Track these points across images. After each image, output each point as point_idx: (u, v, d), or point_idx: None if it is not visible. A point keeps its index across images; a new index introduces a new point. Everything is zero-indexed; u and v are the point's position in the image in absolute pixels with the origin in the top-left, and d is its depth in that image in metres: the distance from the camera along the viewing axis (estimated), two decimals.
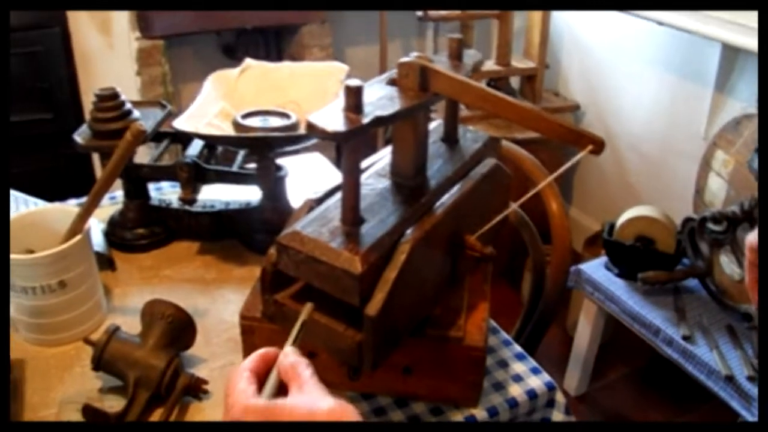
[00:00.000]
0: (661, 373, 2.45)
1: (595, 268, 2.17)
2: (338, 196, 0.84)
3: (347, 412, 0.62)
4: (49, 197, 1.32)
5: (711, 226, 1.88)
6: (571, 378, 2.40)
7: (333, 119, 0.73)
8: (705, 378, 1.82)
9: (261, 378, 0.67)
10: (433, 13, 2.62)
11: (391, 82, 0.85)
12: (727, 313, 1.95)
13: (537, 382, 1.02)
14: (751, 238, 0.87)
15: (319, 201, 0.88)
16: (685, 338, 1.87)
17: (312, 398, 0.62)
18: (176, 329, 0.97)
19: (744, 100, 2.24)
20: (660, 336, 1.93)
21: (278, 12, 2.71)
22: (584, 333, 2.29)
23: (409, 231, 0.82)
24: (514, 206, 1.00)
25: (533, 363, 1.06)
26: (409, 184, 0.90)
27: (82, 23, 2.58)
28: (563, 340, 2.57)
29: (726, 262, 1.91)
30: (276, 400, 0.64)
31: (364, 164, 0.95)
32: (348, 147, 0.77)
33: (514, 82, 2.97)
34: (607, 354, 2.50)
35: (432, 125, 1.03)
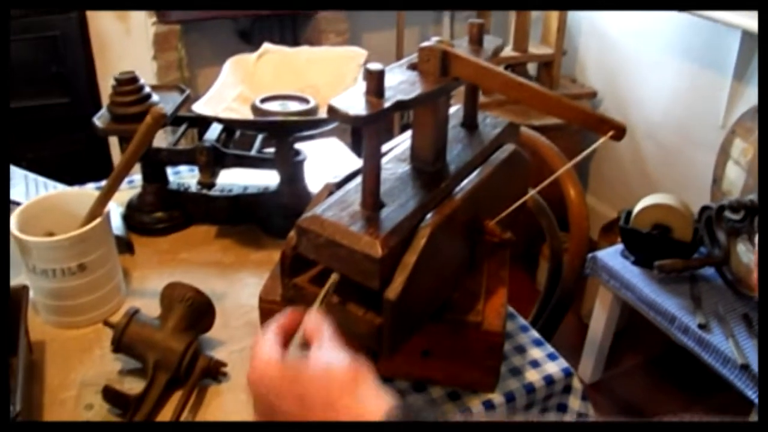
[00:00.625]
0: (676, 362, 2.44)
1: (611, 256, 2.16)
2: (358, 180, 0.84)
3: (363, 368, 0.63)
4: (67, 181, 1.33)
5: (729, 214, 1.87)
6: (585, 365, 2.40)
7: (355, 103, 0.73)
8: (720, 366, 1.81)
9: (288, 336, 0.69)
10: None
11: (412, 67, 0.85)
12: (743, 301, 1.94)
13: (554, 368, 1.02)
14: None
15: (339, 185, 0.88)
16: (701, 326, 1.86)
17: (331, 355, 0.64)
18: (195, 312, 0.98)
19: None
20: (675, 324, 1.93)
21: None
22: (599, 320, 2.29)
23: (428, 216, 0.82)
24: (533, 192, 1.00)
25: (550, 349, 1.06)
26: (429, 169, 0.90)
27: None
28: (578, 328, 2.56)
29: (743, 251, 1.90)
30: (296, 356, 0.65)
31: (383, 149, 0.95)
32: (369, 131, 0.76)
33: (531, 68, 2.95)
34: (622, 342, 2.49)
35: (451, 110, 1.03)
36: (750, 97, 2.27)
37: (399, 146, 0.96)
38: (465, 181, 0.90)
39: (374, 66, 0.74)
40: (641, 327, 2.31)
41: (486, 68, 0.82)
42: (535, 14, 2.83)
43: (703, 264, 2.01)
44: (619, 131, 0.80)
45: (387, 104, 0.73)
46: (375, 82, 0.74)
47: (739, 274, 1.93)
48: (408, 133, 0.94)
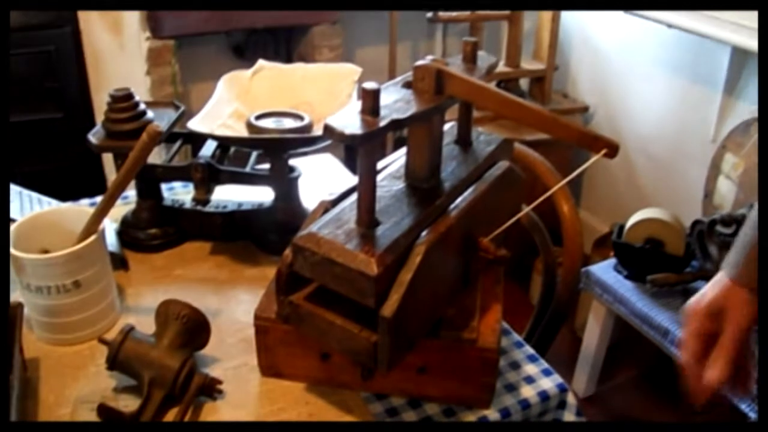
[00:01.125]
0: (670, 375, 2.45)
1: (604, 270, 2.17)
2: (353, 197, 0.85)
3: None
4: (60, 197, 1.33)
5: (720, 228, 1.88)
6: (579, 379, 2.40)
7: (350, 122, 0.73)
8: None
9: None
10: (442, 14, 2.62)
11: (407, 85, 0.86)
12: None
13: (549, 383, 1.02)
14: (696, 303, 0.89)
15: (335, 202, 0.89)
16: None
17: None
18: (191, 329, 0.98)
19: (753, 103, 2.24)
20: (668, 337, 1.93)
21: (289, 12, 2.72)
22: (593, 334, 2.29)
23: (423, 233, 0.83)
24: (527, 209, 1.01)
25: (545, 364, 1.06)
26: (424, 187, 0.90)
27: (93, 23, 2.59)
28: (572, 342, 2.57)
29: None
30: None
31: (378, 166, 0.95)
32: (364, 149, 0.77)
33: (524, 83, 2.97)
34: (616, 355, 2.50)
35: (445, 128, 1.03)
36: (740, 112, 2.28)
37: (394, 164, 0.96)
38: (459, 199, 0.91)
39: (370, 85, 0.75)
40: (635, 340, 2.32)
41: (480, 87, 0.83)
42: (526, 29, 2.85)
43: (696, 278, 2.02)
44: (612, 149, 0.80)
45: (382, 123, 0.74)
46: (370, 101, 0.74)
47: None
48: (402, 151, 0.95)
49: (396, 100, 0.81)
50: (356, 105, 0.76)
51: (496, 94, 0.83)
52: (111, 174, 2.55)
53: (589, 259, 2.58)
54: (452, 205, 0.89)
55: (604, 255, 2.37)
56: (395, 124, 0.75)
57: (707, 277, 1.98)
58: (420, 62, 0.84)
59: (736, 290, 0.90)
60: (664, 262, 2.03)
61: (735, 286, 0.90)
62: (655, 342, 1.99)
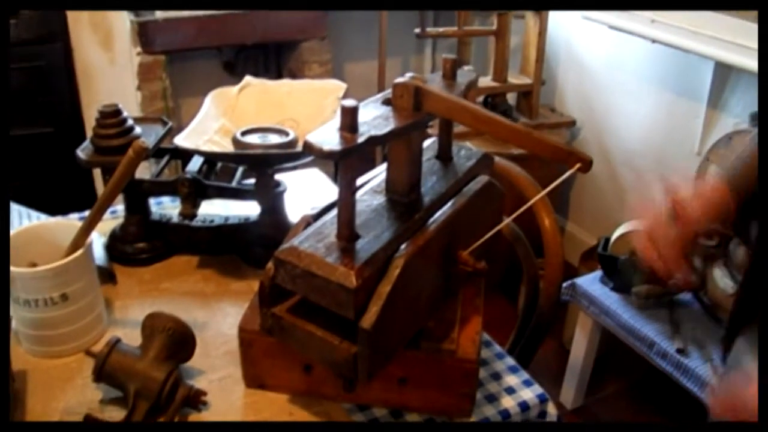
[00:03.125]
0: (657, 387, 2.46)
1: (591, 282, 2.19)
2: (334, 212, 0.87)
3: None
4: (51, 210, 1.34)
5: (704, 241, 1.91)
6: (567, 391, 2.42)
7: (329, 139, 0.75)
8: (698, 391, 1.84)
9: None
10: (430, 30, 2.65)
11: (387, 102, 0.88)
12: (720, 326, 1.97)
13: (529, 394, 1.04)
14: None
15: (316, 217, 0.91)
16: (679, 351, 1.89)
17: None
18: (176, 342, 0.99)
19: (737, 116, 2.27)
20: (654, 349, 1.95)
21: (279, 28, 2.75)
22: (580, 346, 2.31)
23: (403, 246, 0.84)
24: (506, 221, 1.03)
25: (526, 375, 1.08)
26: (404, 201, 0.92)
27: (84, 38, 2.62)
28: (560, 354, 2.58)
29: (719, 276, 1.93)
30: None
31: (360, 181, 0.97)
32: (344, 165, 0.79)
33: (511, 98, 3.00)
34: (604, 367, 2.51)
35: (426, 143, 1.05)
36: (724, 125, 2.31)
37: (375, 178, 0.98)
38: (439, 213, 0.93)
39: (348, 102, 0.77)
40: (622, 352, 2.34)
41: (457, 103, 0.85)
42: (514, 44, 2.88)
43: (681, 289, 2.04)
44: (586, 164, 0.83)
45: (360, 139, 0.76)
46: (349, 118, 0.77)
47: (716, 299, 1.97)
48: (384, 165, 0.97)
49: (375, 117, 0.83)
50: (336, 121, 0.78)
51: (473, 110, 0.85)
52: (101, 188, 2.56)
53: (577, 271, 2.60)
54: (431, 219, 0.91)
55: (592, 267, 2.39)
56: (373, 141, 0.77)
57: (692, 289, 2.01)
58: (399, 79, 0.86)
59: None
60: (650, 273, 2.05)
61: None
62: (641, 354, 2.01)
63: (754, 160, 0.94)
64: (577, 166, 0.82)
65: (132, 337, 1.02)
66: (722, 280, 1.93)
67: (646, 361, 2.02)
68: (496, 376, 1.07)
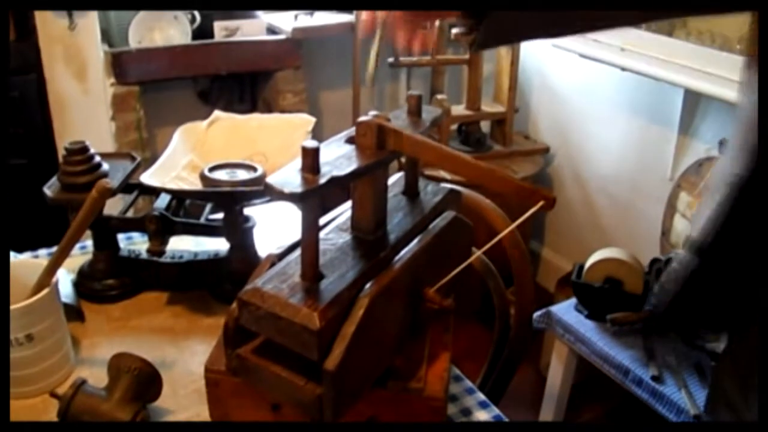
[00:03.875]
0: (635, 413, 2.47)
1: (566, 310, 2.20)
2: (299, 251, 0.86)
3: None
4: (22, 244, 1.33)
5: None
6: (545, 418, 2.41)
7: (290, 180, 0.75)
8: (674, 417, 1.84)
9: None
10: (404, 60, 2.67)
11: (350, 140, 0.88)
12: (695, 351, 1.98)
13: None
14: None
15: (281, 256, 0.91)
16: (654, 378, 1.90)
17: None
18: (142, 382, 0.98)
19: (707, 142, 2.30)
20: (629, 377, 1.96)
21: (253, 58, 2.76)
22: (557, 374, 2.31)
23: (367, 285, 0.84)
24: (475, 255, 1.03)
25: (496, 411, 1.08)
26: (369, 239, 0.92)
27: (58, 70, 2.61)
28: (537, 382, 2.58)
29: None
30: None
31: (326, 218, 0.97)
32: (305, 206, 0.79)
33: (485, 125, 3.02)
34: (581, 394, 2.51)
35: (393, 178, 1.06)
36: (696, 151, 2.34)
37: (341, 216, 0.98)
38: (405, 250, 0.92)
39: (309, 143, 0.77)
40: (598, 380, 2.34)
41: (421, 142, 0.85)
42: (487, 72, 2.90)
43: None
44: (549, 202, 0.83)
45: (322, 180, 0.76)
46: (310, 159, 0.77)
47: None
48: (350, 203, 0.97)
49: (338, 157, 0.83)
50: (297, 162, 0.78)
51: (436, 148, 0.85)
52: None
53: (554, 297, 2.61)
54: (397, 257, 0.91)
55: (568, 293, 2.39)
56: (335, 181, 0.77)
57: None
58: (362, 118, 0.86)
59: None
60: (624, 300, 2.07)
61: None
62: (617, 381, 2.01)
63: None
64: (540, 203, 0.83)
65: (100, 377, 1.01)
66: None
67: (622, 388, 2.03)
68: (466, 412, 1.07)
